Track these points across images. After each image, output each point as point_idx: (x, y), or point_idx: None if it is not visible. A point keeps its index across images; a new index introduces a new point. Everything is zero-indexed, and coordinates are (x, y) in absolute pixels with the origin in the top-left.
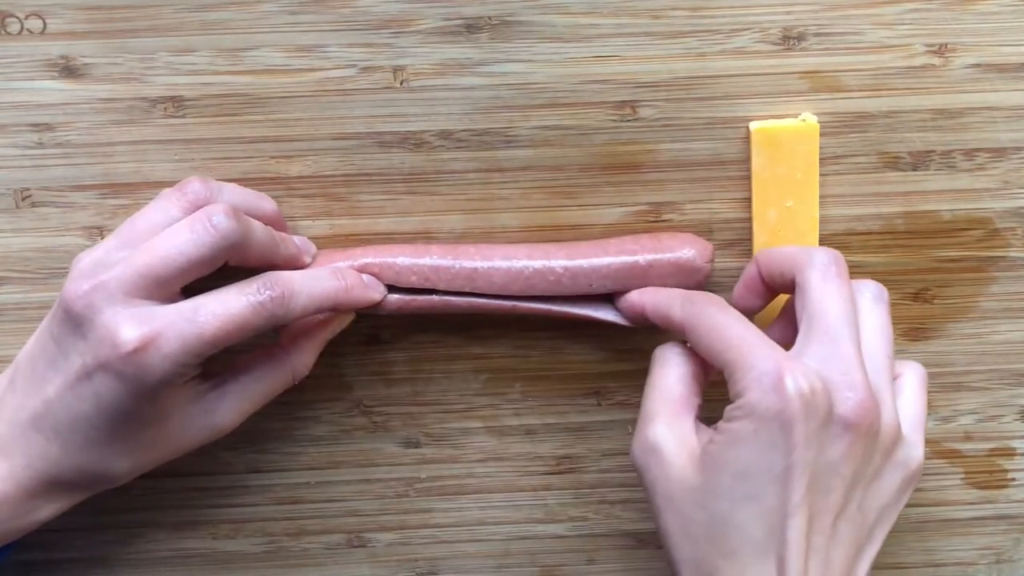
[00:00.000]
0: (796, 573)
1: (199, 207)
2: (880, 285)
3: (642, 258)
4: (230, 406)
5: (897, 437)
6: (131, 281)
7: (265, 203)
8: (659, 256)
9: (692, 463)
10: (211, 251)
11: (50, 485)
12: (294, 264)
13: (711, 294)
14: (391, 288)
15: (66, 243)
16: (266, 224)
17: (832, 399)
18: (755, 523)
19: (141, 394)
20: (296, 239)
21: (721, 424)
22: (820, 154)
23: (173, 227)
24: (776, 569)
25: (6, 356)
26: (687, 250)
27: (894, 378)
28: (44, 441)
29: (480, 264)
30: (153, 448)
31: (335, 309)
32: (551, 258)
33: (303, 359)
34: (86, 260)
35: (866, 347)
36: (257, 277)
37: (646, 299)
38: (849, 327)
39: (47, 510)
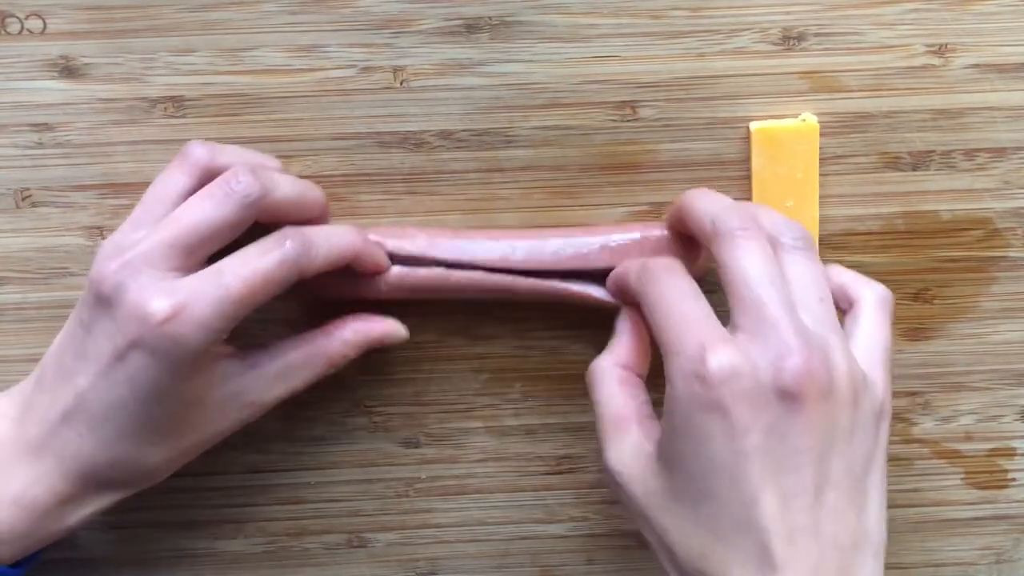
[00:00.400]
0: (784, 556)
1: (204, 169)
2: (798, 226)
3: (639, 234)
4: (263, 387)
5: (859, 384)
6: (159, 254)
7: (269, 163)
8: (655, 232)
9: (650, 473)
10: (235, 212)
11: (84, 486)
12: (323, 214)
13: (669, 260)
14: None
15: (66, 243)
16: None
17: (768, 372)
18: (720, 519)
19: (176, 369)
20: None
21: (662, 421)
22: (820, 154)
23: (192, 197)
24: (762, 561)
25: (6, 356)
26: None
27: (849, 307)
28: (77, 437)
29: (481, 235)
30: (189, 434)
31: (355, 262)
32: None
33: (343, 350)
34: (108, 245)
35: (797, 298)
36: (275, 232)
37: (617, 271)
38: (771, 288)
39: (80, 514)
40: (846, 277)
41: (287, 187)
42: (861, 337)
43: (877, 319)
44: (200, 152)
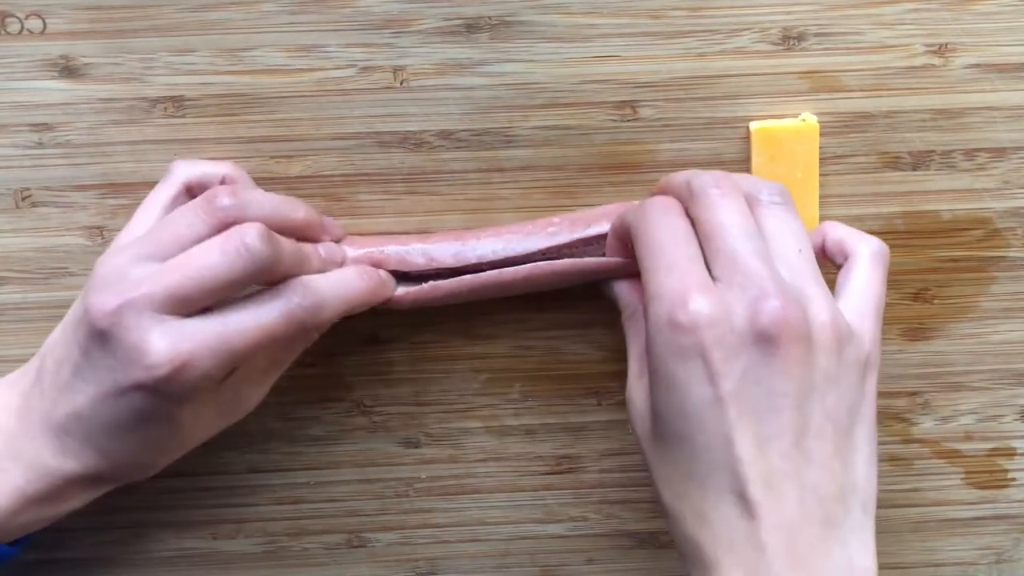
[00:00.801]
0: (761, 500)
1: (228, 224)
2: (776, 184)
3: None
4: (258, 378)
5: (842, 333)
6: (159, 300)
7: (297, 212)
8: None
9: (648, 410)
10: (242, 274)
11: (82, 481)
12: (323, 268)
13: (667, 199)
14: (397, 277)
15: (66, 243)
16: (299, 229)
17: (745, 316)
18: (695, 462)
19: (179, 403)
20: (327, 221)
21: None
22: (820, 154)
23: (204, 246)
24: (738, 506)
25: (6, 356)
26: None
27: (844, 260)
28: (76, 445)
29: (483, 232)
30: (189, 442)
31: (362, 308)
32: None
33: (319, 325)
34: (108, 266)
35: (775, 251)
36: (286, 285)
37: (616, 217)
38: (747, 239)
39: (77, 503)
40: (841, 232)
41: (289, 258)
42: (851, 289)
43: (870, 272)
44: (228, 206)
